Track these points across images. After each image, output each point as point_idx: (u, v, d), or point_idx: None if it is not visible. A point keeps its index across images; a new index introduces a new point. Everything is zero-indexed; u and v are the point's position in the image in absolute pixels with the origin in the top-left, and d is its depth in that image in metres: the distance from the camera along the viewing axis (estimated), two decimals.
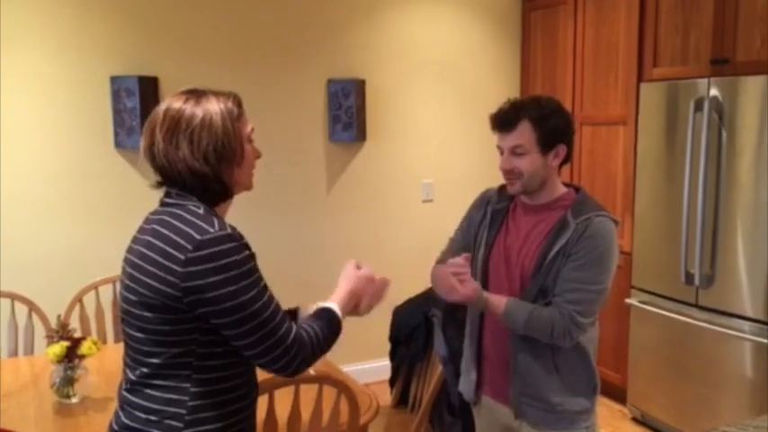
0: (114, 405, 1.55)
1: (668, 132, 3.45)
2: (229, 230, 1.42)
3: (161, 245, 1.40)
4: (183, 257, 1.37)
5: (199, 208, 1.44)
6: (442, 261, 2.13)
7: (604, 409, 3.81)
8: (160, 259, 1.40)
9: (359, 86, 4.06)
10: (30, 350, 3.01)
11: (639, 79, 3.66)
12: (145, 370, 1.45)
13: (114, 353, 2.64)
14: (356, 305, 1.67)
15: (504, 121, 1.93)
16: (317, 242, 4.12)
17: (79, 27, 3.50)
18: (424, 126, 4.40)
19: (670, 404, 3.51)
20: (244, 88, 3.82)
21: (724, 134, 3.14)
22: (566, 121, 1.96)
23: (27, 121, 3.45)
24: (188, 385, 1.43)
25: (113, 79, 3.54)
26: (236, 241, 1.41)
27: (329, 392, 1.93)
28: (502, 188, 2.11)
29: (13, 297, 3.00)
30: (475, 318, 2.08)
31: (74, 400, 2.30)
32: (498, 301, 1.91)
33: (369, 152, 4.25)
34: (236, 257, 1.39)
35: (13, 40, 3.38)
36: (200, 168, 1.43)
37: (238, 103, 1.55)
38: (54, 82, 3.48)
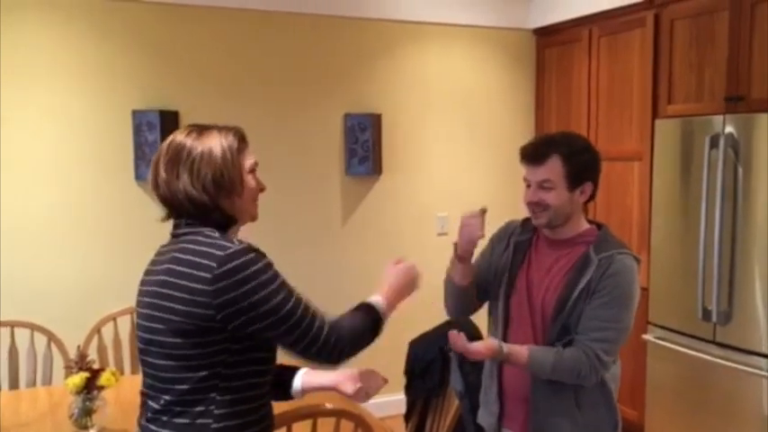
0: None
1: (683, 168, 3.46)
2: (246, 244, 1.48)
3: (185, 269, 1.45)
4: (209, 276, 1.42)
5: (214, 232, 1.51)
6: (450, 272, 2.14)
7: None
8: (187, 283, 1.44)
9: (375, 121, 4.12)
10: (48, 380, 3.03)
11: (654, 116, 3.68)
12: (168, 398, 1.47)
13: (132, 384, 2.65)
14: (400, 294, 1.75)
15: (534, 154, 1.95)
16: (332, 274, 4.13)
17: (103, 62, 3.59)
18: (440, 160, 4.43)
19: None
20: (262, 122, 3.93)
21: (740, 170, 3.15)
22: (594, 159, 1.98)
23: (50, 153, 3.52)
24: (213, 407, 1.47)
25: (135, 113, 3.62)
26: (256, 251, 1.48)
27: (346, 426, 1.94)
28: (525, 221, 2.13)
29: (33, 327, 3.03)
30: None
31: (92, 431, 2.31)
32: (520, 351, 1.91)
33: (384, 185, 4.28)
34: (259, 265, 1.46)
35: (38, 73, 3.47)
36: (199, 197, 1.50)
37: (241, 137, 1.60)
38: (78, 115, 3.56)
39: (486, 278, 2.12)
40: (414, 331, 3.06)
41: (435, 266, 4.30)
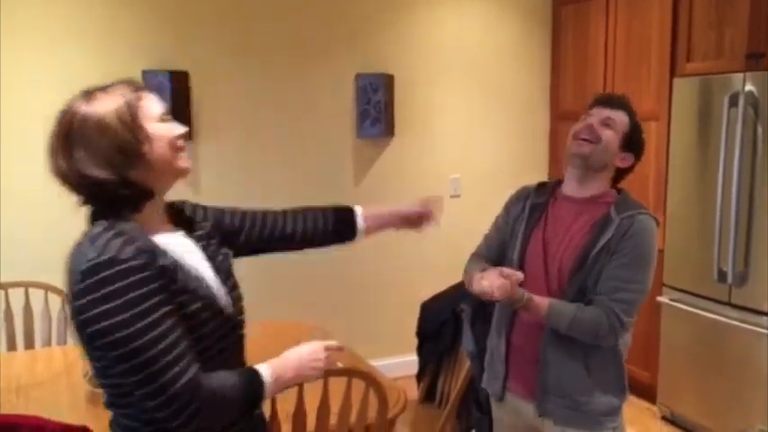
0: None
1: (702, 128, 3.39)
2: (114, 253, 1.24)
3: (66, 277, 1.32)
4: (73, 290, 1.27)
5: (99, 226, 1.31)
6: (477, 256, 2.13)
7: (633, 407, 3.77)
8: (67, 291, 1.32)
9: (388, 81, 4.06)
10: (63, 340, 3.06)
11: (672, 74, 3.60)
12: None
13: None
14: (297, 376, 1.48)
15: (612, 99, 2.03)
16: None
17: (111, 22, 3.54)
18: (453, 121, 4.38)
19: (701, 403, 3.46)
20: (273, 82, 3.89)
21: (759, 129, 3.09)
22: (644, 144, 2.05)
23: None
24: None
25: (145, 73, 3.58)
26: (123, 263, 1.24)
27: (358, 386, 1.94)
28: (539, 186, 2.12)
29: (47, 288, 3.05)
30: (505, 313, 2.07)
31: None
32: (540, 301, 1.89)
33: (397, 147, 4.24)
34: (119, 284, 1.23)
35: (46, 35, 3.44)
36: (103, 175, 1.31)
37: (136, 88, 1.38)
38: (87, 77, 3.50)
39: (505, 243, 2.10)
40: (426, 293, 3.05)
41: (449, 228, 4.30)
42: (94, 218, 1.36)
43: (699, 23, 3.48)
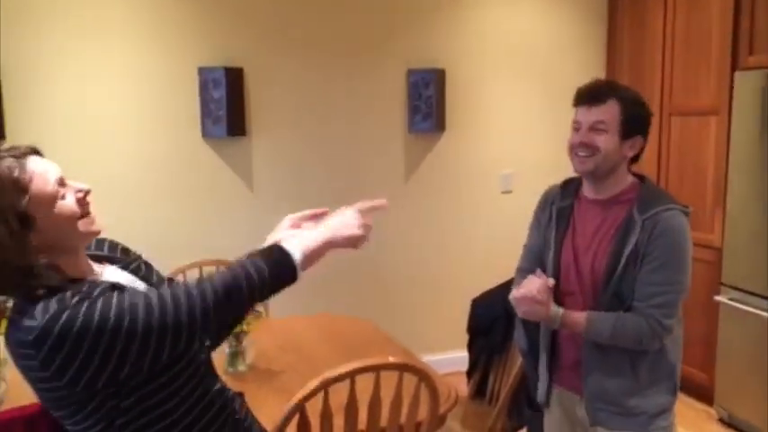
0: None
1: (764, 123, 3.28)
2: (53, 309, 1.20)
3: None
4: (36, 366, 1.22)
5: (21, 306, 1.26)
6: (520, 272, 2.12)
7: (689, 409, 3.69)
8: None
9: (439, 76, 4.05)
10: None
11: (733, 68, 3.50)
12: None
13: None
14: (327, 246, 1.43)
15: (593, 95, 1.91)
16: (395, 232, 4.13)
17: (168, 19, 3.62)
18: (504, 116, 4.34)
19: (760, 406, 3.36)
20: (325, 78, 3.92)
21: None
22: (649, 115, 1.95)
23: (118, 110, 3.59)
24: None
25: (201, 70, 3.65)
26: (67, 308, 1.20)
27: (409, 380, 1.94)
28: (565, 184, 2.07)
29: (217, 264, 3.11)
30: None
31: (241, 367, 2.45)
32: (577, 316, 1.87)
33: (448, 142, 4.23)
34: (83, 319, 1.20)
35: (105, 31, 3.52)
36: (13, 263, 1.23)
37: (20, 167, 1.25)
38: (144, 73, 3.62)
39: (541, 252, 2.08)
40: (477, 289, 3.04)
41: (500, 224, 4.30)
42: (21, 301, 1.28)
43: (761, 15, 3.36)
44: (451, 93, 4.16)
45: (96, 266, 1.45)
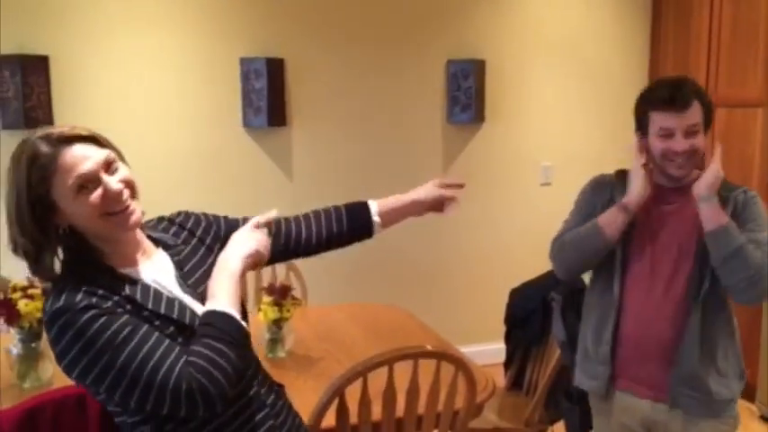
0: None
1: None
2: (62, 302, 1.23)
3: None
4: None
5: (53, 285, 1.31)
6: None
7: None
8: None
9: (479, 67, 4.03)
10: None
11: None
12: None
13: None
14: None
15: (681, 99, 1.86)
16: (433, 223, 4.12)
17: (210, 9, 3.66)
18: (545, 107, 4.30)
19: None
20: (365, 68, 3.93)
21: None
22: (713, 107, 1.96)
23: (160, 100, 3.65)
24: None
25: (242, 61, 3.69)
26: (71, 310, 1.23)
27: (447, 370, 1.95)
28: (618, 176, 2.04)
29: None
30: (611, 300, 2.00)
31: (281, 353, 2.49)
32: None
33: (487, 134, 4.21)
34: (77, 328, 1.23)
35: (149, 23, 3.58)
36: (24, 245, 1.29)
37: (39, 154, 1.26)
38: (186, 63, 3.67)
39: None
40: (514, 281, 3.03)
41: (539, 217, 4.27)
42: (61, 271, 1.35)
43: None
44: (491, 84, 4.14)
45: (153, 249, 1.46)
